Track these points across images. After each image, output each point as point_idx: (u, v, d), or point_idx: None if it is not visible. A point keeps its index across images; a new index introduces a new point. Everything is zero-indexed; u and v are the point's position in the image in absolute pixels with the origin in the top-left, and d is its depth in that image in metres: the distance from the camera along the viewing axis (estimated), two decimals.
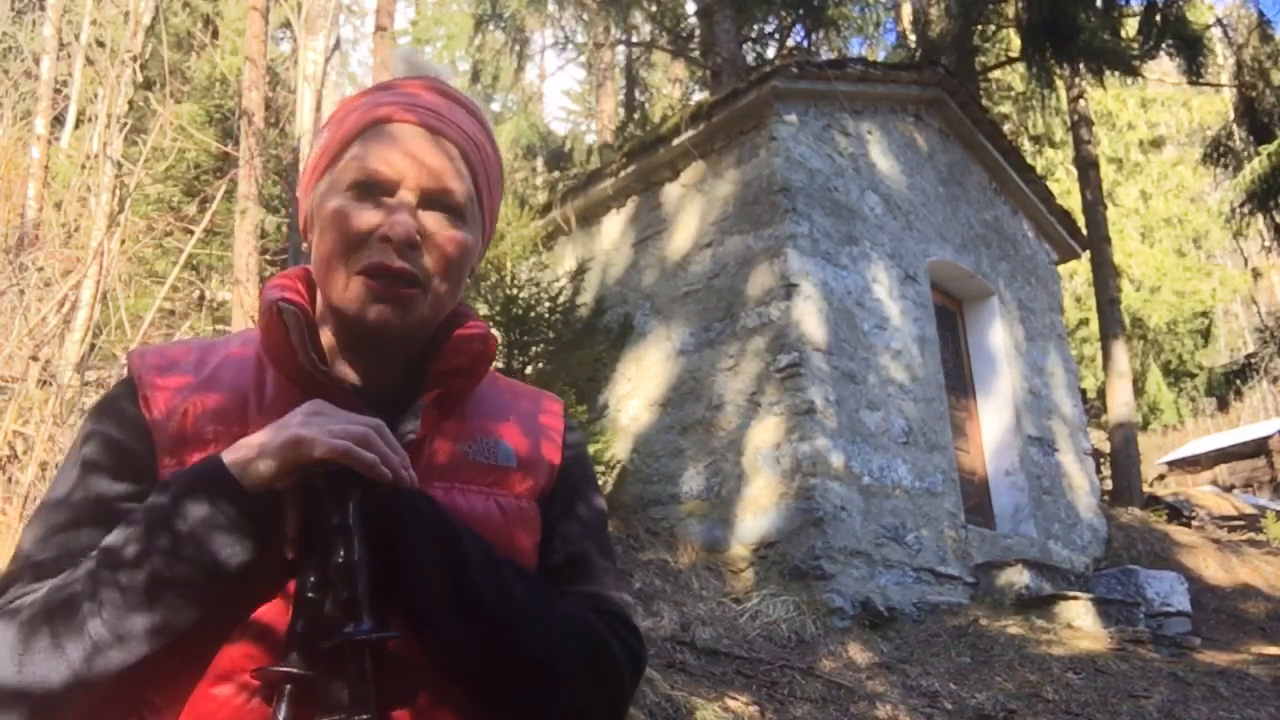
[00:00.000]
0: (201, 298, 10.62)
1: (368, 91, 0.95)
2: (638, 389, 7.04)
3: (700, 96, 14.41)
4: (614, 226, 7.76)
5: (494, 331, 6.66)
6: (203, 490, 0.74)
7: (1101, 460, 12.19)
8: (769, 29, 14.25)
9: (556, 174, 15.42)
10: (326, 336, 0.92)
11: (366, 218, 0.85)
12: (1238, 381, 16.20)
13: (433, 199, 0.87)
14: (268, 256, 11.47)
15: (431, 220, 0.87)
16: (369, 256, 0.85)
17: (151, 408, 0.85)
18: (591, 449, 6.33)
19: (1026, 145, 15.61)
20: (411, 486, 0.79)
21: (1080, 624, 5.90)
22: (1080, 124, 12.70)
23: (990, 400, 8.04)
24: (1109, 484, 11.61)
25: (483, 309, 6.90)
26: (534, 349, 6.79)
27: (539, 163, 16.04)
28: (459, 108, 0.93)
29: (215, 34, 15.56)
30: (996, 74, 14.32)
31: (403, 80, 0.94)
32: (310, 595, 0.74)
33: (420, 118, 0.89)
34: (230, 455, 0.76)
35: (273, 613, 0.77)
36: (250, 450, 0.75)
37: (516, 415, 0.97)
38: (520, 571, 0.85)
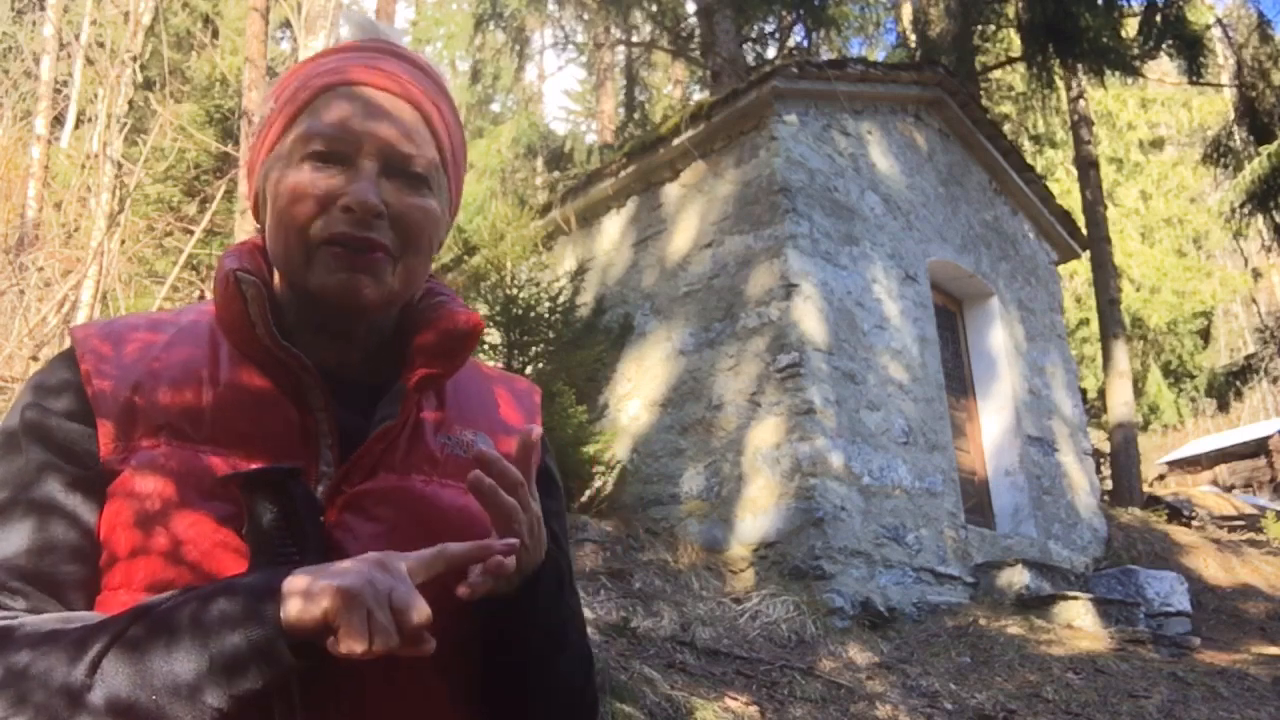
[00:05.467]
0: (201, 298, 10.61)
1: (315, 58, 0.88)
2: (638, 389, 7.04)
3: (700, 96, 14.40)
4: (614, 226, 7.76)
5: (493, 331, 6.71)
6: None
7: (1101, 460, 12.19)
8: (769, 29, 14.27)
9: (556, 174, 15.42)
10: (288, 312, 0.85)
11: (325, 187, 0.79)
12: (1238, 382, 16.21)
13: (394, 166, 0.81)
14: None
15: (394, 189, 0.81)
16: (331, 227, 0.78)
17: (92, 380, 0.79)
18: (591, 449, 6.34)
19: (1026, 145, 15.62)
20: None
21: (1080, 624, 5.90)
22: (1080, 124, 12.70)
23: (990, 400, 8.04)
24: (1109, 484, 11.61)
25: (483, 309, 6.90)
26: (534, 349, 6.80)
27: (539, 163, 16.05)
28: (416, 70, 0.87)
29: (215, 34, 15.55)
30: (996, 74, 14.33)
31: (353, 45, 0.88)
32: None
33: (376, 81, 0.83)
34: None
35: None
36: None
37: (497, 395, 0.95)
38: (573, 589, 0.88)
